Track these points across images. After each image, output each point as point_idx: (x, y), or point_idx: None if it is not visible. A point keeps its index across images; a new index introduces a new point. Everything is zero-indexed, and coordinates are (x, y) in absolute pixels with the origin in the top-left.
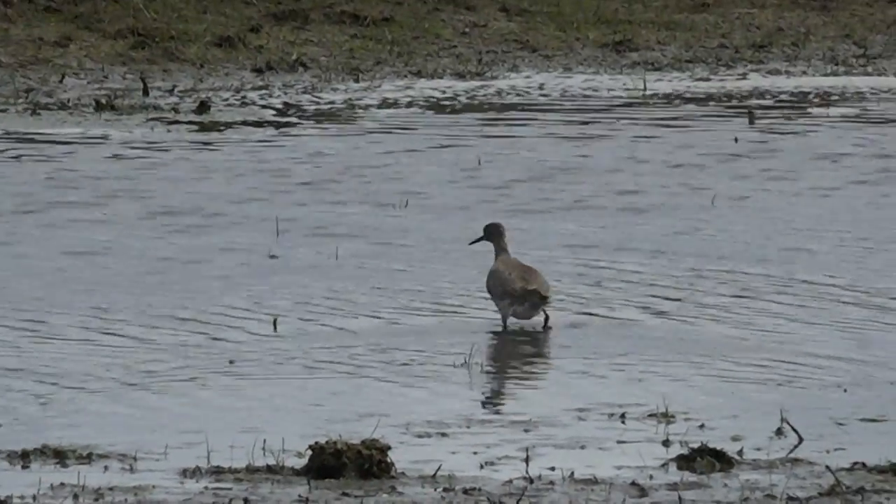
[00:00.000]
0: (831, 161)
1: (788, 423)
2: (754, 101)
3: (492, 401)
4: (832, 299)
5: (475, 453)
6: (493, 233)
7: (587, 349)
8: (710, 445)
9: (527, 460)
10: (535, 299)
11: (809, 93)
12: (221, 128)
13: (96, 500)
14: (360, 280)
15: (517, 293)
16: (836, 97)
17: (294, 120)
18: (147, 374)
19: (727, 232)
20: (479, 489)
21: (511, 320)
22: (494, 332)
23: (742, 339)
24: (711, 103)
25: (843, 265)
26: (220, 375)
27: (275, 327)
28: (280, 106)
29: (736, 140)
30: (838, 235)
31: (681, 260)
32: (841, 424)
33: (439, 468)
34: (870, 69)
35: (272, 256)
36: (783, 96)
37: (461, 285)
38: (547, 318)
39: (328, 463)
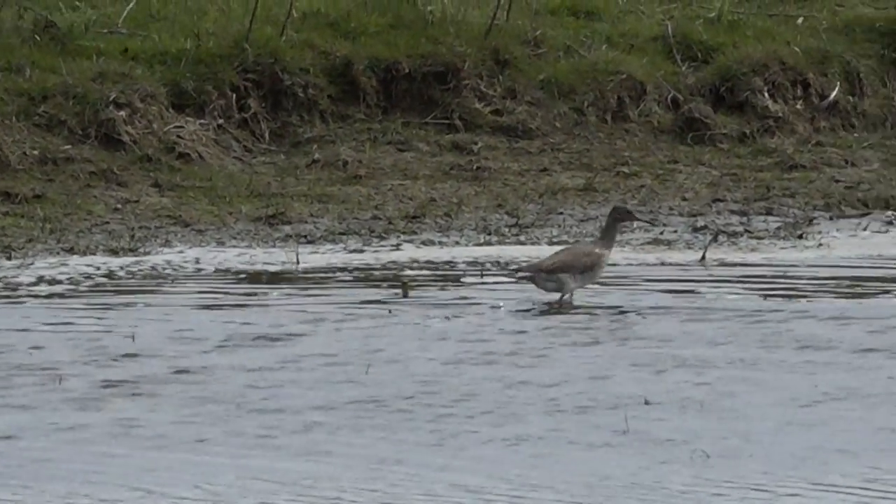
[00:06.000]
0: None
1: None
2: (408, 273)
3: None
4: None
5: None
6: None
7: None
8: None
9: None
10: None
11: (462, 263)
12: None
13: None
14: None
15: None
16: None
17: None
18: None
19: None
20: None
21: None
22: None
23: None
24: (365, 275)
25: None
26: None
27: None
28: None
29: (390, 312)
30: None
31: None
32: None
33: None
34: (522, 238)
35: None
36: (437, 267)
37: None
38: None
39: None
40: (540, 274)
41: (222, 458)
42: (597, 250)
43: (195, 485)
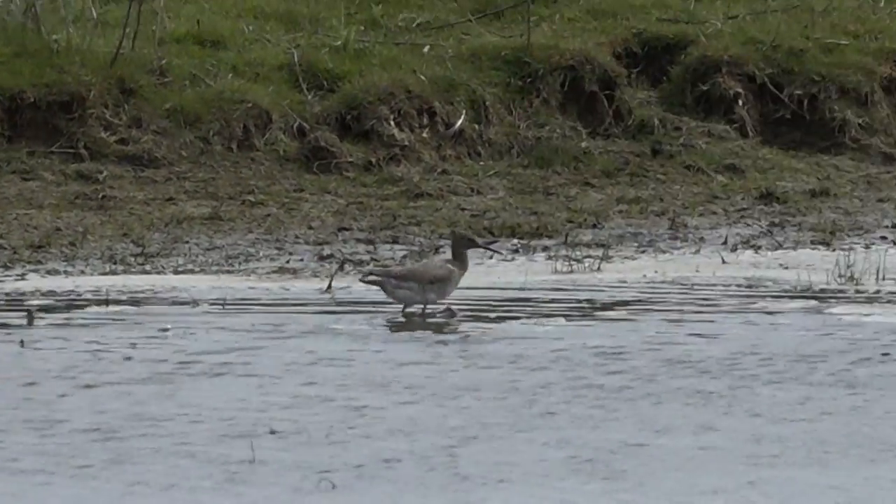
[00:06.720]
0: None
1: None
2: (34, 302)
3: None
4: None
5: None
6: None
7: None
8: None
9: None
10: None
11: (88, 292)
12: None
13: None
14: None
15: None
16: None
17: None
18: None
19: None
20: None
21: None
22: None
23: None
24: None
25: None
26: None
27: None
28: None
29: (22, 343)
30: None
31: None
32: None
33: None
34: (148, 267)
35: None
36: (63, 296)
37: None
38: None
39: None
40: (390, 280)
41: None
42: (450, 266)
43: None
